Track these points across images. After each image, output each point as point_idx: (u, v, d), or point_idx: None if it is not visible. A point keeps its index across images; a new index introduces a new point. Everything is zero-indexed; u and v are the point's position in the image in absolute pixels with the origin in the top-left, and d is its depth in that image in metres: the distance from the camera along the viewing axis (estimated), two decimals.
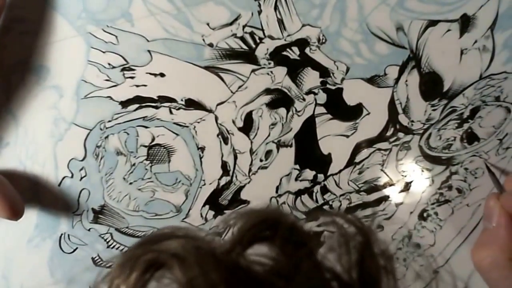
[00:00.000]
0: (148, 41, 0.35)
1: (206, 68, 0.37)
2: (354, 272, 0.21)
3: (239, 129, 0.39)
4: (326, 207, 0.42)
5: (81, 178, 0.38)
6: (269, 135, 0.39)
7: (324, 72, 0.38)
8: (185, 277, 0.19)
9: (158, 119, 0.37)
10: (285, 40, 0.37)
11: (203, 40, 0.36)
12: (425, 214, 0.44)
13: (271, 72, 0.38)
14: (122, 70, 0.36)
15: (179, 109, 0.37)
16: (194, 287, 0.19)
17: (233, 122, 0.38)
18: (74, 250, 0.40)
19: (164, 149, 0.38)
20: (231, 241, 0.21)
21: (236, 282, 0.19)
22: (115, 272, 0.20)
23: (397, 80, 0.39)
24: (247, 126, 0.39)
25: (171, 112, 0.37)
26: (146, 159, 0.38)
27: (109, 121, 0.37)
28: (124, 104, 0.37)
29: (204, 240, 0.21)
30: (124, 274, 0.20)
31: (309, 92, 0.39)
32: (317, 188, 0.42)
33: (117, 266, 0.20)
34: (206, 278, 0.19)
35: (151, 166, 0.38)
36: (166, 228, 0.22)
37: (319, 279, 0.21)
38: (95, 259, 0.40)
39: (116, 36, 0.35)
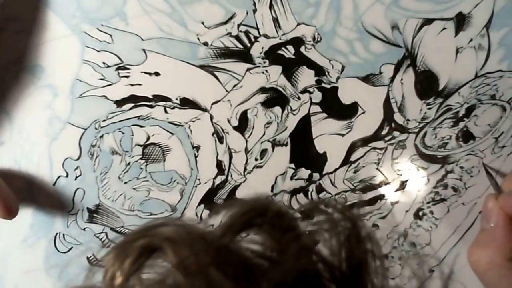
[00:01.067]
0: (142, 40, 0.35)
1: (201, 67, 0.37)
2: (341, 256, 0.22)
3: (234, 128, 0.39)
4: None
5: (76, 177, 0.38)
6: (264, 134, 0.39)
7: (319, 71, 0.38)
8: (176, 258, 0.19)
9: (153, 118, 0.37)
10: (280, 39, 0.37)
11: (198, 39, 0.36)
12: (420, 213, 0.44)
13: (266, 71, 0.38)
14: (117, 69, 0.36)
15: (174, 108, 0.37)
16: (185, 268, 0.19)
17: (228, 121, 0.38)
18: (69, 249, 0.40)
19: (159, 148, 0.38)
20: (222, 227, 0.22)
21: (225, 264, 0.20)
22: (110, 260, 0.20)
23: (392, 78, 0.39)
24: (242, 125, 0.39)
25: (166, 111, 0.37)
26: (141, 158, 0.38)
27: (104, 120, 0.37)
28: (119, 103, 0.37)
29: (197, 227, 0.21)
30: (119, 261, 0.20)
31: (304, 91, 0.39)
32: (312, 187, 0.42)
33: (111, 254, 0.21)
34: (197, 259, 0.19)
35: (146, 165, 0.38)
36: (160, 219, 0.22)
37: (305, 262, 0.21)
38: (90, 258, 0.40)
39: (111, 35, 0.35)
